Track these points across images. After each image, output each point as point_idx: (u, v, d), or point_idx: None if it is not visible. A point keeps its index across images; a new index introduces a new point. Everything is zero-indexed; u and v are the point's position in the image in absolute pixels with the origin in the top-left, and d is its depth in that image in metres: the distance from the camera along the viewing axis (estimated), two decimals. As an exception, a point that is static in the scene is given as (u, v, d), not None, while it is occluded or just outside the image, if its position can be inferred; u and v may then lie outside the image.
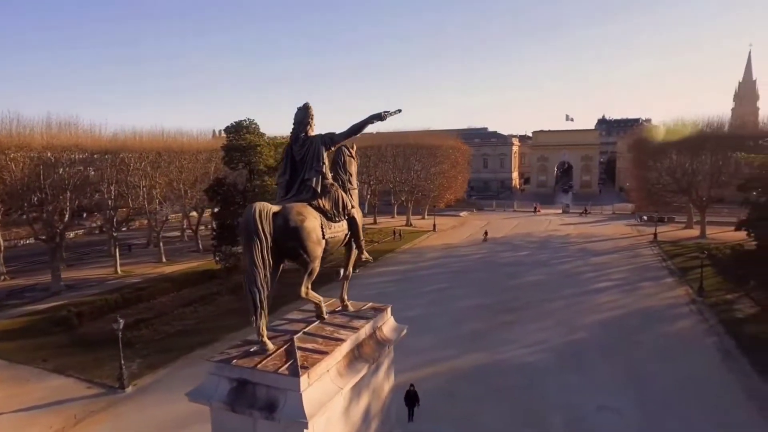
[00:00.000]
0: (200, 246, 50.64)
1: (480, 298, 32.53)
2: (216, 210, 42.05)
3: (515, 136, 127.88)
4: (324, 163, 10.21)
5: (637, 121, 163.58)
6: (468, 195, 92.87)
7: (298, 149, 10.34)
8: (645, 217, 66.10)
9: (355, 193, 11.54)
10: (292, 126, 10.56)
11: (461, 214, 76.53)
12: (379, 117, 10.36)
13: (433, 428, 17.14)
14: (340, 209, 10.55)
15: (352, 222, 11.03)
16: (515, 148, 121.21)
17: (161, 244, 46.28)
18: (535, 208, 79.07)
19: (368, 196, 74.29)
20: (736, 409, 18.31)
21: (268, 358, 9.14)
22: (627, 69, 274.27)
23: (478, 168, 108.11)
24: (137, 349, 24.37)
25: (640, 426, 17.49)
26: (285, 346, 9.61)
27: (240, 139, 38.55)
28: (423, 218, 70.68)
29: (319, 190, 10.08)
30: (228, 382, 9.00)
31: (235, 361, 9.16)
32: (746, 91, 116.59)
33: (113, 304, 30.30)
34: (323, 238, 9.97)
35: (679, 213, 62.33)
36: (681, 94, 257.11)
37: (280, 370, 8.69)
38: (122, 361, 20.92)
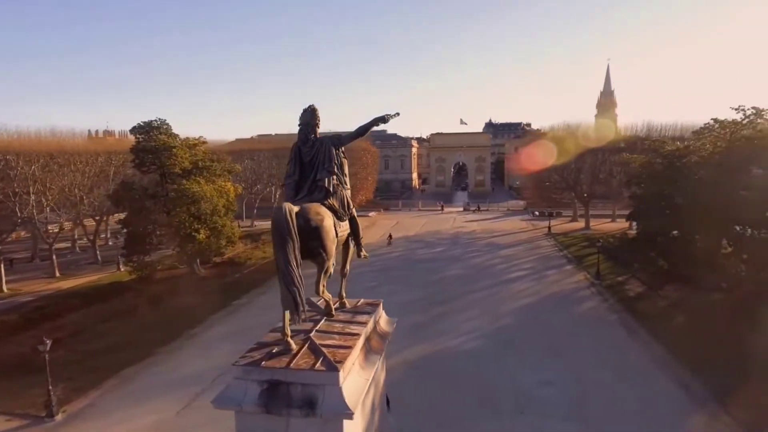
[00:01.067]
0: (99, 257, 46.26)
1: (409, 294, 33.91)
2: (123, 217, 38.88)
3: (413, 139, 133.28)
4: (335, 164, 10.52)
5: (519, 125, 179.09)
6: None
7: (307, 150, 10.53)
8: (536, 212, 72.97)
9: (348, 193, 11.93)
10: (299, 127, 10.71)
11: (370, 214, 78.09)
12: (383, 119, 10.89)
13: (394, 419, 17.83)
14: (346, 208, 10.94)
15: (353, 221, 11.44)
16: (414, 150, 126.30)
17: (54, 256, 41.50)
18: (441, 206, 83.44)
19: (277, 200, 72.95)
20: (644, 372, 21.46)
21: (297, 357, 9.23)
22: (508, 75, 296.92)
23: (380, 169, 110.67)
24: (58, 373, 21.82)
25: (573, 394, 19.80)
26: (307, 344, 9.74)
27: (151, 140, 36.11)
28: (333, 220, 71.09)
29: (332, 190, 10.37)
30: (258, 385, 8.93)
31: (264, 362, 9.13)
32: (606, 101, 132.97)
33: (13, 325, 26.88)
34: (336, 236, 10.29)
35: (565, 208, 69.68)
36: (553, 101, 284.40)
37: (315, 366, 8.88)
38: (50, 386, 18.88)
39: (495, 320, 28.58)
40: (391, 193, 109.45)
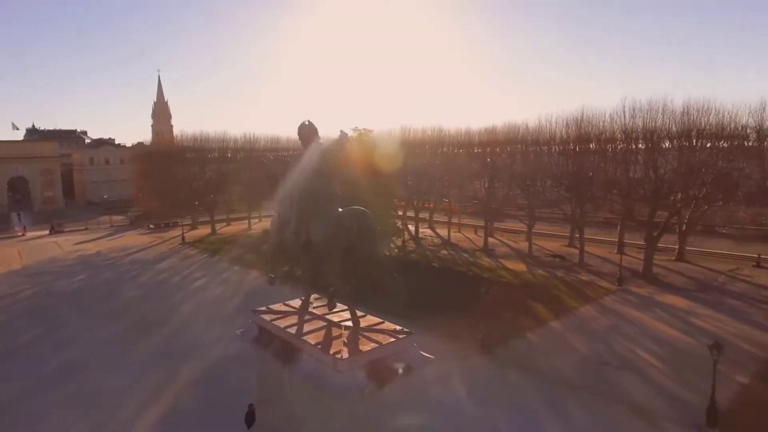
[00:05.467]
0: None
1: (110, 327, 29.25)
2: None
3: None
4: (341, 174, 12.08)
5: (74, 132, 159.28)
6: None
7: None
8: (152, 225, 70.48)
9: None
10: (302, 141, 11.52)
11: None
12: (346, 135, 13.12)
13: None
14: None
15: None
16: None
17: None
18: (25, 229, 67.59)
19: None
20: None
21: (372, 338, 10.78)
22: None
23: None
24: None
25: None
26: (358, 329, 11.26)
27: None
28: None
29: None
30: (363, 369, 10.10)
31: (361, 348, 10.26)
32: (161, 110, 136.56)
33: None
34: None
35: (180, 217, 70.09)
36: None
37: (399, 338, 10.84)
38: None
39: (238, 328, 29.40)
40: None
